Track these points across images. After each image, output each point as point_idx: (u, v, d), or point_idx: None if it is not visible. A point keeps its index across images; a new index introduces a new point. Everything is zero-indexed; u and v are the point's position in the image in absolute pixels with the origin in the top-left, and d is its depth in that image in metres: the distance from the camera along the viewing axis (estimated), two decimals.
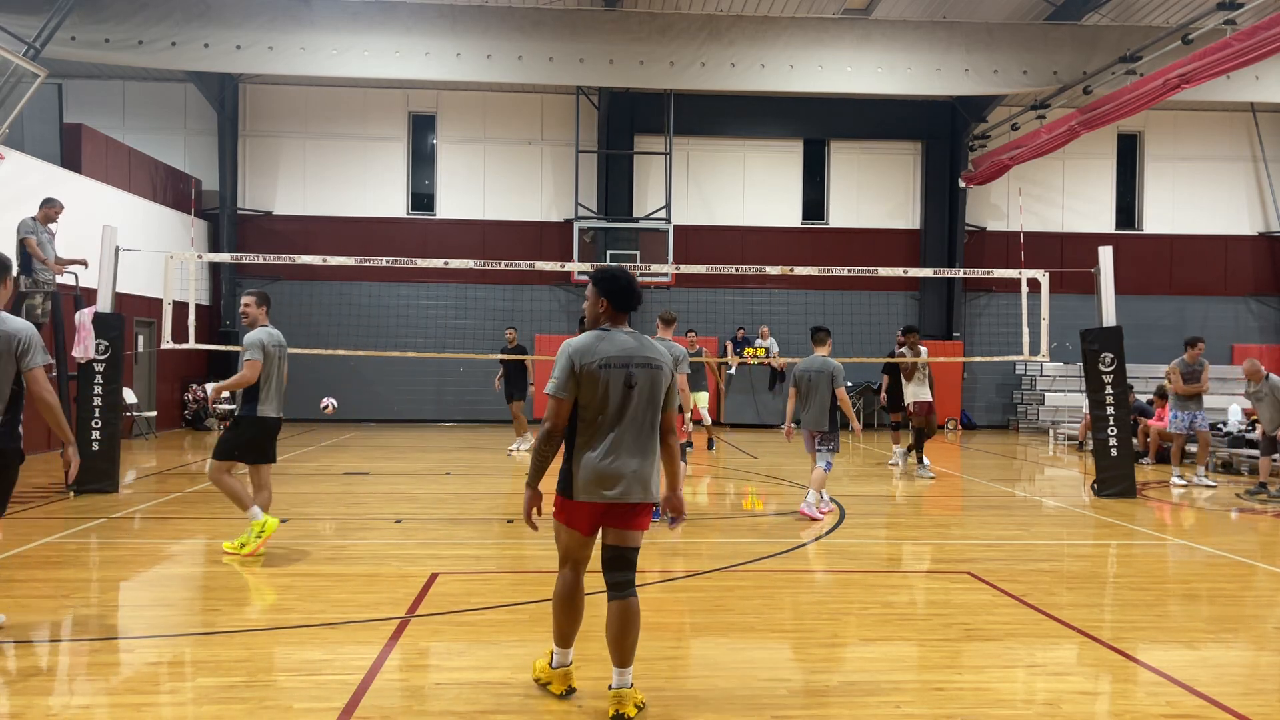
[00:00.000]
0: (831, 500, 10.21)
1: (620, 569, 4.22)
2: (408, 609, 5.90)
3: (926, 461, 13.15)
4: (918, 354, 13.16)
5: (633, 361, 4.15)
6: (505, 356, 15.49)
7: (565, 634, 4.37)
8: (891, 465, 14.11)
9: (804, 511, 9.43)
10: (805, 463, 14.56)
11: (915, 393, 13.21)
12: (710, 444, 16.28)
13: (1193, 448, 13.47)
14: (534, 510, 4.27)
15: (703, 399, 15.53)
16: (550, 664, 4.45)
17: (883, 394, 14.36)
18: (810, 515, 9.37)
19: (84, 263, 11.06)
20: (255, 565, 7.06)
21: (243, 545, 7.30)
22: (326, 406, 14.28)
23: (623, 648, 4.17)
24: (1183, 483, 12.31)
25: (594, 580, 4.40)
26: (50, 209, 10.89)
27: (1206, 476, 12.49)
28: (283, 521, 8.89)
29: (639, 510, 4.21)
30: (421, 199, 22.54)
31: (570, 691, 4.40)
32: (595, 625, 4.66)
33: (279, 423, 7.55)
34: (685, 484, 9.62)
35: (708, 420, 15.99)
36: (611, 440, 4.12)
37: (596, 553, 4.33)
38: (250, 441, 7.42)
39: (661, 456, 4.31)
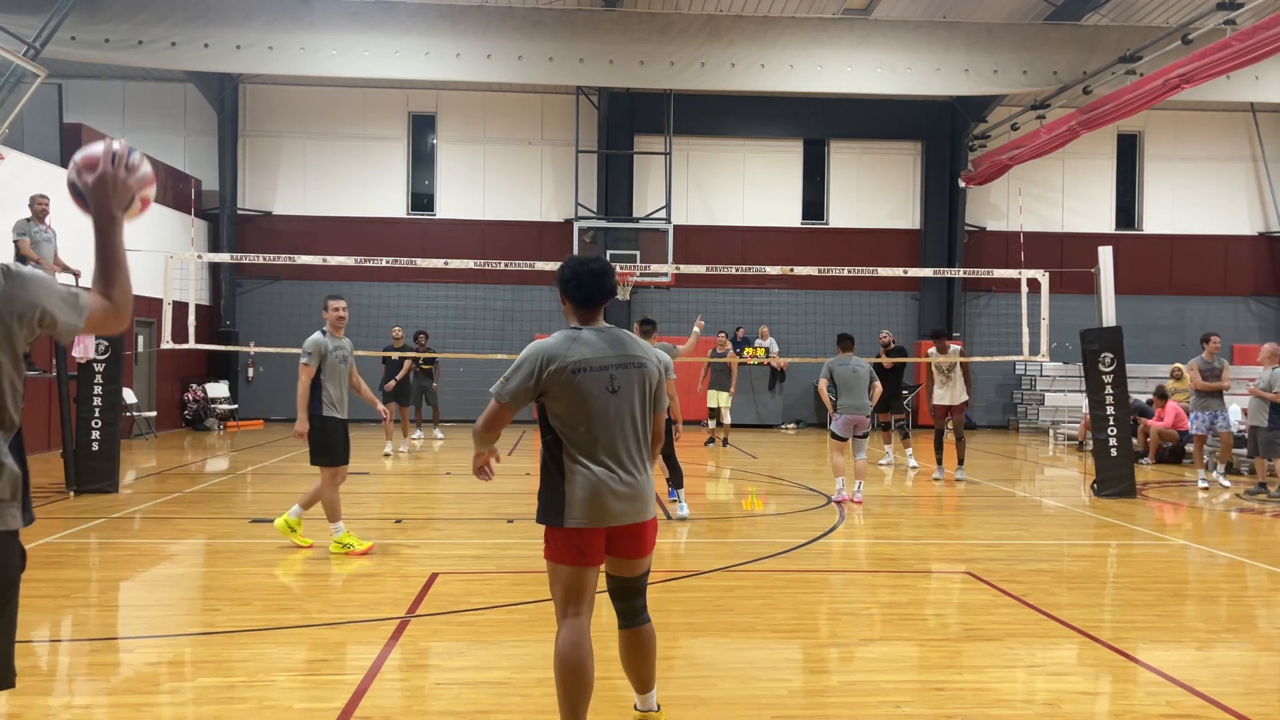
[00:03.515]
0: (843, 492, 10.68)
1: (629, 598, 3.76)
2: (408, 609, 5.89)
3: (951, 471, 12.70)
4: (944, 349, 12.39)
5: (611, 364, 3.61)
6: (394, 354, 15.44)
7: (576, 708, 3.56)
8: (884, 464, 14.13)
9: (859, 500, 10.33)
10: (803, 463, 14.60)
11: (936, 395, 12.55)
12: (725, 442, 16.56)
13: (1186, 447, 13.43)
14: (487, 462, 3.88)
15: (725, 399, 15.94)
16: None
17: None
18: (858, 501, 10.33)
19: (78, 274, 11.04)
20: (254, 565, 7.06)
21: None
22: None
23: (642, 674, 3.82)
24: (1205, 484, 12.01)
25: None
26: (36, 204, 10.83)
27: (1224, 477, 12.23)
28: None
29: (644, 532, 3.68)
30: (421, 199, 22.54)
31: None
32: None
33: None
34: (690, 483, 9.73)
35: (727, 420, 16.42)
36: (602, 454, 3.57)
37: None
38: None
39: None
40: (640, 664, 3.78)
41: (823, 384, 10.43)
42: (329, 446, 7.48)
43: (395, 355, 15.45)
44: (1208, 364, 12.07)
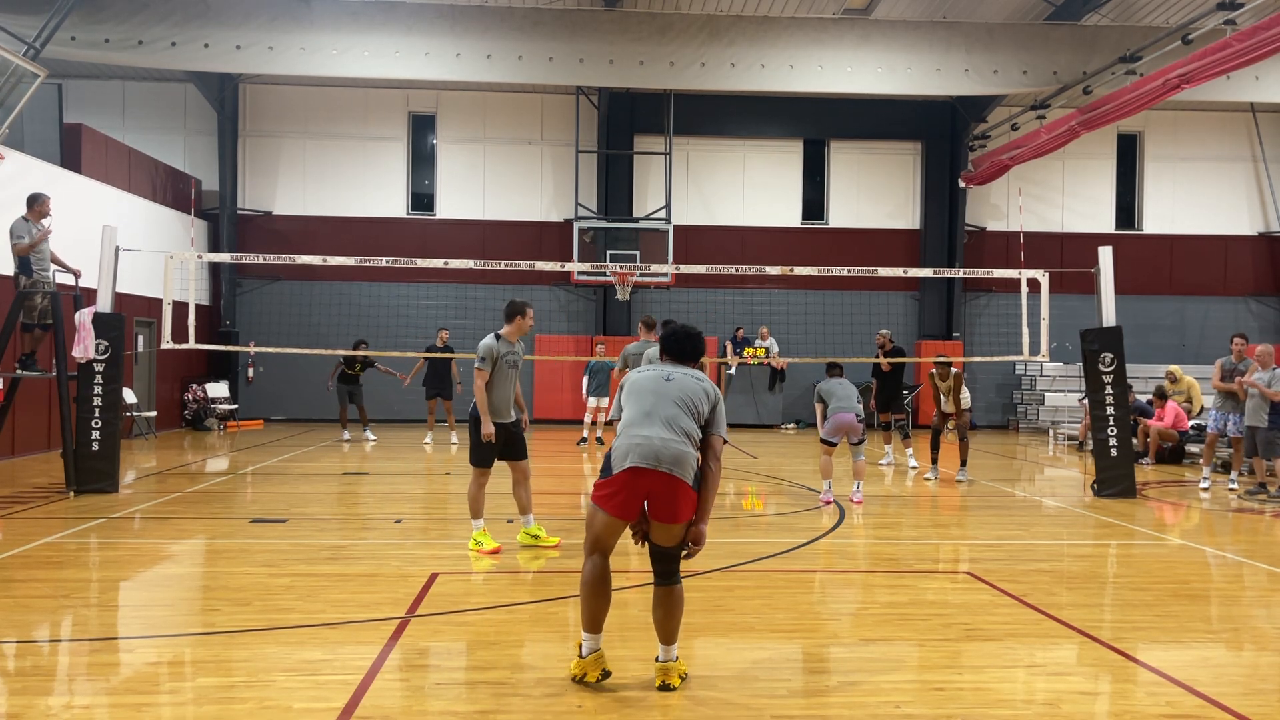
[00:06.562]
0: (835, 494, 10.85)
1: (660, 561, 4.59)
2: (408, 609, 5.89)
3: (951, 472, 12.88)
4: (945, 375, 12.52)
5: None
6: (434, 355, 16.80)
7: (593, 617, 4.55)
8: (884, 465, 14.17)
9: (858, 500, 10.47)
10: (803, 463, 14.59)
11: (941, 403, 12.73)
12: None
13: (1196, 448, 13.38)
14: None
15: None
16: (580, 654, 4.58)
17: (873, 400, 14.27)
18: (857, 501, 10.46)
19: (78, 274, 11.03)
20: (254, 565, 7.06)
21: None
22: None
23: (665, 628, 4.55)
24: (1206, 484, 11.94)
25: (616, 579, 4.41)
26: (40, 205, 10.77)
27: (1234, 482, 11.96)
28: (282, 521, 8.90)
29: (668, 495, 4.41)
30: (421, 199, 22.54)
31: (605, 675, 4.53)
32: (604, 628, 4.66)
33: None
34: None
35: None
36: (640, 417, 4.56)
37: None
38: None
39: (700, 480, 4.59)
40: (663, 617, 4.53)
41: (818, 407, 10.74)
42: (476, 445, 7.64)
43: (440, 355, 16.82)
44: (1233, 364, 11.84)
